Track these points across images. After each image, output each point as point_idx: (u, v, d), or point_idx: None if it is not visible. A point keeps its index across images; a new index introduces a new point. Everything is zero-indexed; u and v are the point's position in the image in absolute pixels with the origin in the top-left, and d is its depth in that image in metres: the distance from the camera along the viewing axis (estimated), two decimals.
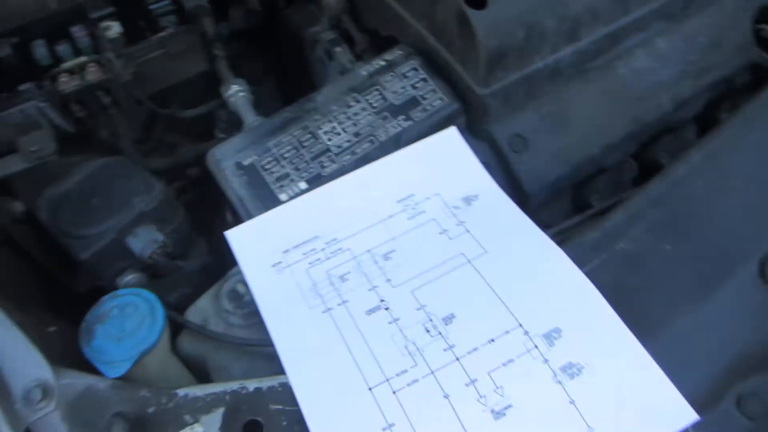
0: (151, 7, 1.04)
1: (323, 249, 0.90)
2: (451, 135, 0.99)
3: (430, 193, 0.95)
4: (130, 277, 0.93)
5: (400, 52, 1.05)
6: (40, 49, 0.99)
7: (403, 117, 0.99)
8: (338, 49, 1.19)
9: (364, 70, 1.04)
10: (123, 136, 1.06)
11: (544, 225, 0.92)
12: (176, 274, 0.96)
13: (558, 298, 0.83)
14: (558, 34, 1.01)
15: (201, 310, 0.96)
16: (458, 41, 0.98)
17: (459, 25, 0.96)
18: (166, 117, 1.15)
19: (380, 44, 1.24)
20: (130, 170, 0.99)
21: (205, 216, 1.15)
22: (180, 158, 1.20)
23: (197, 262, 1.01)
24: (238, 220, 0.94)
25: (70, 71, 0.97)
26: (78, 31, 1.01)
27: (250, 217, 0.92)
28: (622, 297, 0.84)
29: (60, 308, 0.97)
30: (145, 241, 0.90)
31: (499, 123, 1.04)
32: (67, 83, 0.95)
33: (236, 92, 1.14)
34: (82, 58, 0.99)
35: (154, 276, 0.96)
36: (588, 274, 0.85)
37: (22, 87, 0.95)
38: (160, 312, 0.81)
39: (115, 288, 0.93)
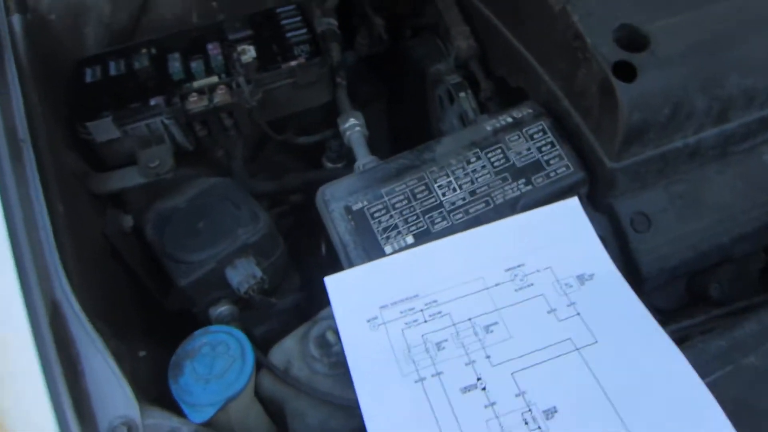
0: (288, 35, 1.04)
1: (422, 310, 0.86)
2: (573, 206, 0.93)
3: (541, 266, 0.89)
4: (223, 308, 0.93)
5: (530, 111, 1.00)
6: (175, 63, 1.01)
7: (524, 181, 0.94)
8: (462, 94, 1.16)
9: (489, 125, 0.99)
10: (236, 157, 1.08)
11: (655, 309, 0.85)
12: (268, 309, 0.96)
13: (672, 406, 0.75)
14: (707, 114, 0.92)
15: (286, 350, 0.95)
16: (597, 110, 0.92)
17: (601, 94, 0.89)
18: (280, 142, 1.16)
19: (506, 93, 1.20)
20: (238, 195, 0.99)
21: (300, 244, 1.15)
22: (286, 184, 1.20)
23: (289, 300, 1.00)
24: (333, 257, 0.92)
25: (200, 91, 0.99)
26: (212, 49, 1.03)
27: (351, 265, 0.90)
28: (745, 417, 0.75)
29: (152, 326, 0.99)
30: (244, 274, 0.90)
31: (623, 198, 0.97)
32: (195, 103, 0.97)
33: (353, 126, 1.13)
34: (214, 79, 1.01)
35: (245, 308, 0.96)
36: (709, 386, 0.76)
37: (153, 100, 0.98)
38: (249, 356, 0.80)
39: (207, 316, 0.94)
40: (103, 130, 0.96)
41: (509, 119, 1.00)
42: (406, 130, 1.80)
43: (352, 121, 1.13)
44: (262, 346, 1.05)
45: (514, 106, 1.04)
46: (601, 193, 0.98)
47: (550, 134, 0.97)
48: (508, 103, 1.18)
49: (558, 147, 0.96)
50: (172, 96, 0.98)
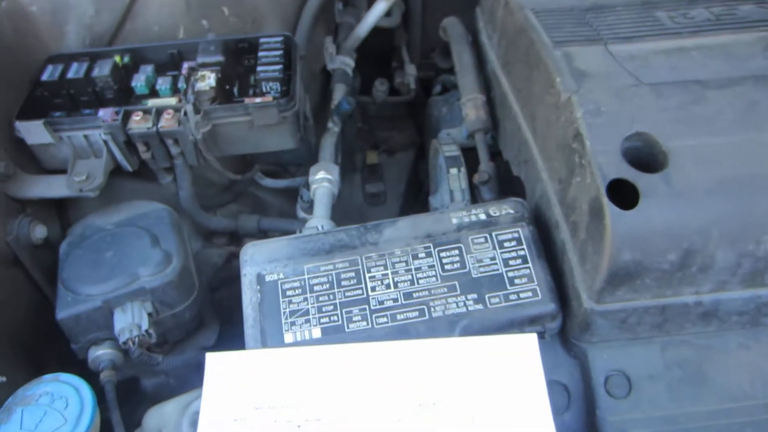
0: (260, 68, 0.92)
1: (300, 426, 0.69)
2: (527, 345, 0.73)
3: (464, 413, 0.70)
4: (103, 351, 0.81)
5: (509, 211, 0.82)
6: (141, 77, 0.92)
7: (475, 297, 0.76)
8: (453, 170, 0.99)
9: (456, 216, 0.82)
10: (183, 188, 0.96)
11: None
12: (149, 366, 0.83)
13: None
14: (732, 272, 0.71)
15: (164, 416, 0.82)
16: (583, 231, 0.73)
17: (590, 215, 0.70)
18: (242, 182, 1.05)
19: (508, 182, 1.02)
20: (165, 230, 0.88)
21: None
22: (241, 226, 1.08)
23: (178, 359, 0.86)
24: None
25: (147, 111, 0.88)
26: (185, 69, 0.93)
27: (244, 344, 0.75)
28: None
29: (41, 349, 0.89)
30: (128, 322, 0.78)
31: (601, 348, 0.77)
32: (137, 123, 0.87)
33: (321, 180, 0.99)
34: (168, 101, 0.90)
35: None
36: None
37: (102, 111, 0.89)
38: (85, 421, 0.67)
39: (85, 357, 0.82)
40: (34, 132, 0.88)
41: (482, 215, 0.82)
42: (426, 189, 1.65)
43: (322, 174, 0.99)
44: (152, 399, 0.92)
45: (496, 201, 0.87)
46: (575, 335, 0.78)
47: (524, 246, 0.79)
48: (506, 194, 1.01)
49: (530, 264, 0.77)
50: (120, 110, 0.88)
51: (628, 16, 0.85)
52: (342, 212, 1.61)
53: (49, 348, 0.84)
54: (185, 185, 0.96)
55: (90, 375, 0.83)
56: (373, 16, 1.27)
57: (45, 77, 0.92)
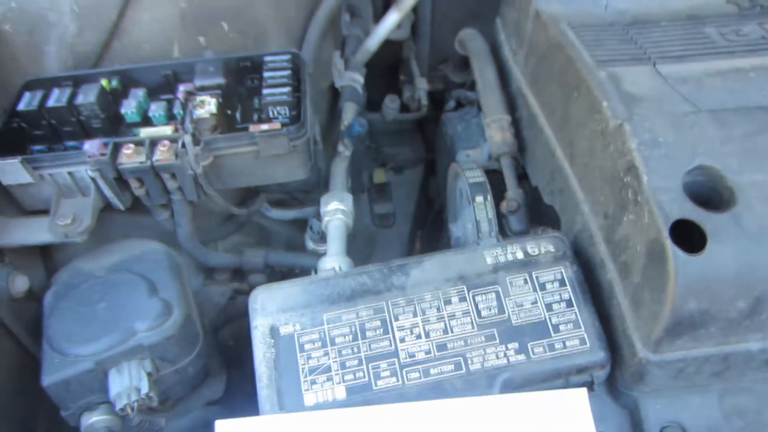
0: (265, 90, 0.83)
1: None
2: (577, 400, 0.65)
3: None
4: (97, 418, 0.71)
5: (551, 249, 0.74)
6: (132, 102, 0.83)
7: (517, 346, 0.68)
8: (479, 199, 0.91)
9: (490, 254, 0.74)
10: (181, 225, 0.88)
11: None
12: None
13: None
14: None
15: None
16: (639, 275, 0.65)
17: (649, 258, 0.63)
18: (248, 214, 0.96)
19: (537, 211, 0.94)
20: (163, 274, 0.78)
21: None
22: (246, 262, 0.99)
23: (182, 423, 0.78)
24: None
25: (139, 143, 0.79)
26: (180, 93, 0.84)
27: (258, 409, 0.66)
28: None
29: (31, 413, 0.80)
30: (125, 386, 0.69)
31: (656, 397, 0.70)
32: (129, 157, 0.77)
33: (334, 212, 0.91)
34: (163, 130, 0.80)
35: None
36: None
37: (87, 144, 0.79)
38: None
39: (77, 424, 0.73)
40: (10, 172, 0.78)
41: (519, 253, 0.74)
42: (437, 208, 1.57)
43: (334, 204, 0.91)
44: None
45: (534, 235, 0.79)
46: (625, 384, 0.70)
47: (568, 288, 0.71)
48: (536, 222, 0.93)
49: (575, 308, 0.70)
50: (110, 142, 0.79)
51: (675, 32, 0.78)
52: (350, 236, 1.54)
53: (36, 414, 0.74)
54: (183, 222, 0.87)
55: None
56: (384, 29, 1.19)
57: (21, 106, 0.82)
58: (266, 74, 0.86)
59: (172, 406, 0.81)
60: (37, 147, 0.86)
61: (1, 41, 0.88)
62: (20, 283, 0.79)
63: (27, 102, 0.84)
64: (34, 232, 0.79)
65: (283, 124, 0.81)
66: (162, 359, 0.73)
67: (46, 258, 0.92)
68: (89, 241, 0.90)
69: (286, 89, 0.82)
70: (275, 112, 0.82)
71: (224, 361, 0.89)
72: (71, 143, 0.85)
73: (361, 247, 1.42)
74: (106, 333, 0.71)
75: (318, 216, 0.96)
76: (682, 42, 0.76)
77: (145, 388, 0.69)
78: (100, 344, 0.71)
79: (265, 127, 0.79)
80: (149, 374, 0.71)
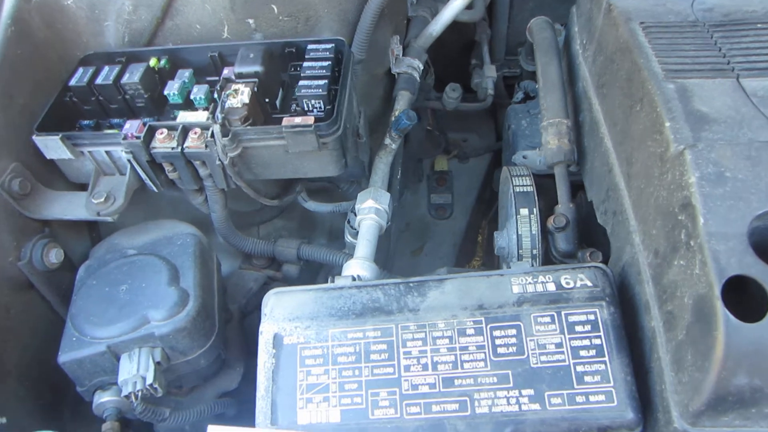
0: (303, 82, 0.79)
1: None
2: None
3: None
4: (108, 399, 0.73)
5: (588, 284, 0.65)
6: (175, 84, 0.82)
7: (531, 394, 0.61)
8: (524, 211, 0.82)
9: (518, 283, 0.66)
10: (215, 211, 0.86)
11: None
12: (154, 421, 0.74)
13: None
14: None
15: None
16: (682, 332, 0.56)
17: (695, 315, 0.53)
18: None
19: (588, 231, 0.84)
20: (187, 261, 0.78)
21: None
22: (279, 252, 0.97)
23: (189, 414, 0.77)
24: None
25: (173, 128, 0.78)
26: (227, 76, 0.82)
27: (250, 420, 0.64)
28: None
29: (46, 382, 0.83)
30: (132, 373, 0.69)
31: None
32: (161, 142, 0.77)
33: (369, 210, 0.86)
34: (199, 117, 0.79)
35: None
36: None
37: (126, 125, 0.79)
38: None
39: (90, 400, 0.75)
40: (52, 147, 0.80)
41: (551, 285, 0.66)
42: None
43: (369, 203, 0.86)
44: None
45: (573, 264, 0.70)
46: None
47: (601, 333, 0.62)
48: (586, 242, 0.84)
49: (606, 359, 0.61)
50: (147, 124, 0.78)
51: None
52: (403, 224, 1.49)
53: (67, 381, 0.77)
54: (217, 207, 0.86)
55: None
56: (451, 10, 1.10)
57: (73, 81, 0.84)
58: (306, 64, 0.82)
59: (187, 393, 0.82)
60: (85, 122, 0.88)
61: (64, 15, 0.90)
62: (55, 256, 0.83)
63: (79, 77, 0.86)
64: (72, 207, 0.82)
65: (317, 119, 0.76)
66: (173, 349, 0.73)
67: (92, 229, 0.96)
68: (134, 214, 0.92)
69: (323, 82, 0.78)
70: (310, 105, 0.78)
71: (247, 349, 0.89)
72: (117, 121, 0.87)
73: (411, 238, 1.37)
74: (121, 318, 0.72)
75: (356, 211, 0.92)
76: None
77: (150, 378, 0.69)
78: (114, 329, 0.72)
79: (297, 120, 0.75)
80: (158, 364, 0.71)
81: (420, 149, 1.38)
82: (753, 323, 0.49)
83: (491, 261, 1.55)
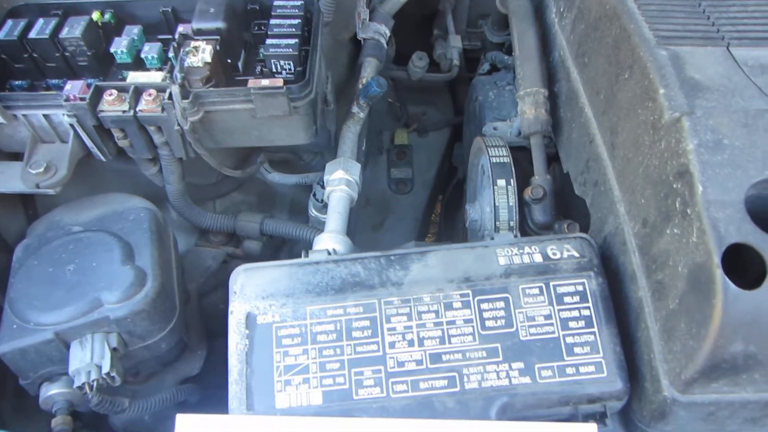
0: (270, 41, 0.73)
1: None
2: None
3: None
4: (57, 391, 0.66)
5: (574, 254, 0.64)
6: (123, 41, 0.74)
7: (521, 367, 0.59)
8: (501, 182, 0.80)
9: (504, 254, 0.64)
10: (170, 183, 0.79)
11: None
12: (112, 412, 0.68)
13: None
14: None
15: None
16: (674, 301, 0.55)
17: (691, 284, 0.52)
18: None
19: (565, 204, 0.83)
20: (143, 237, 0.71)
21: None
22: (240, 227, 0.91)
23: (150, 403, 0.71)
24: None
25: (122, 89, 0.71)
26: (176, 34, 0.74)
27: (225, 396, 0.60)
28: None
29: None
30: (84, 362, 0.62)
31: None
32: (110, 104, 0.69)
33: (339, 182, 0.82)
34: (153, 76, 0.71)
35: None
36: None
37: (71, 84, 0.71)
38: None
39: (37, 394, 0.67)
40: None
41: (537, 256, 0.64)
42: (460, 176, 1.46)
43: (339, 173, 0.81)
44: None
45: (557, 235, 0.68)
46: (642, 419, 0.61)
47: (589, 304, 0.61)
48: (562, 214, 0.83)
49: (595, 329, 0.60)
50: (92, 84, 0.70)
51: (757, 8, 0.64)
52: (363, 199, 1.45)
53: (7, 372, 0.69)
54: (172, 179, 0.79)
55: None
56: None
57: (1, 35, 0.74)
58: (273, 21, 0.75)
59: (145, 380, 0.75)
60: (17, 83, 0.79)
61: None
62: None
63: (8, 31, 0.76)
64: (6, 178, 0.72)
65: (286, 81, 0.71)
66: (130, 334, 0.67)
67: (27, 205, 0.86)
68: (77, 188, 0.83)
69: (293, 41, 0.72)
70: (278, 66, 0.72)
71: (207, 331, 0.83)
72: (55, 82, 0.78)
73: (372, 213, 1.33)
74: (70, 301, 0.65)
75: (322, 182, 0.87)
76: (766, 21, 0.63)
77: (106, 366, 0.63)
78: (62, 314, 0.64)
79: (265, 82, 0.69)
80: (114, 350, 0.65)
81: (380, 121, 1.34)
82: (751, 291, 0.49)
83: (446, 236, 1.54)
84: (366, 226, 1.31)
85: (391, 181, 1.38)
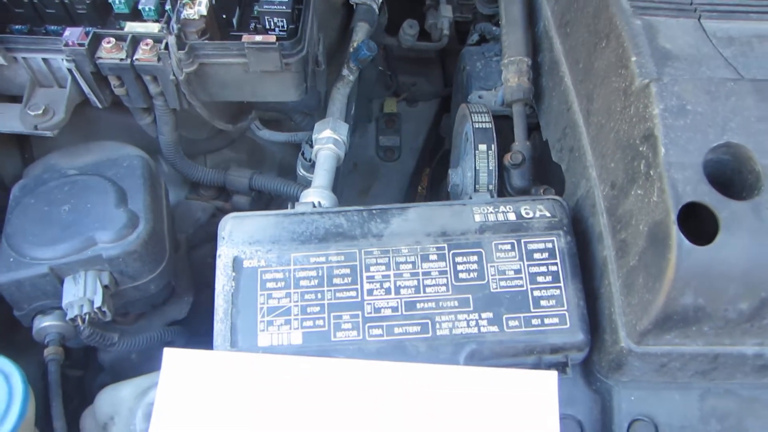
0: None
1: None
2: (545, 384, 0.61)
3: None
4: (50, 324, 0.69)
5: (546, 214, 0.67)
6: None
7: (490, 317, 0.63)
8: (482, 147, 0.83)
9: (480, 212, 0.68)
10: (163, 134, 0.82)
11: None
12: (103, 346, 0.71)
13: None
14: None
15: (117, 401, 0.72)
16: (635, 258, 0.59)
17: (650, 241, 0.56)
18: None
19: (543, 168, 0.87)
20: (135, 183, 0.74)
21: None
22: (230, 182, 0.93)
23: (138, 340, 0.75)
24: None
25: (120, 38, 0.72)
26: None
27: (209, 343, 0.63)
28: None
29: None
30: (78, 296, 0.66)
31: (630, 388, 0.66)
32: (108, 52, 0.71)
33: (326, 140, 0.84)
34: (150, 27, 0.73)
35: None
36: None
37: (69, 31, 0.73)
38: (11, 422, 0.57)
39: (29, 325, 0.70)
40: None
41: (511, 215, 0.67)
42: (447, 147, 1.49)
43: (327, 133, 0.84)
44: (110, 372, 0.82)
45: (531, 196, 0.72)
46: (601, 370, 0.65)
47: (557, 261, 0.65)
48: (539, 181, 0.86)
49: (561, 284, 0.64)
50: (90, 32, 0.72)
51: None
52: (351, 164, 1.48)
53: None
54: (166, 130, 0.82)
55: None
56: None
57: None
58: None
59: (134, 321, 0.79)
60: (17, 27, 0.80)
61: None
62: None
63: None
64: (5, 119, 0.75)
65: (279, 38, 0.73)
66: (122, 273, 0.70)
67: (24, 148, 0.88)
68: (72, 136, 0.85)
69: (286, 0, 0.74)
70: (272, 24, 0.74)
71: (194, 281, 0.86)
72: (53, 28, 0.79)
73: (360, 178, 1.36)
74: (65, 239, 0.68)
75: (311, 142, 0.89)
76: None
77: (98, 301, 0.66)
78: (57, 250, 0.68)
79: (258, 38, 0.71)
80: (106, 287, 0.68)
81: (371, 89, 1.36)
82: (703, 246, 0.53)
83: None
84: (353, 191, 1.34)
85: (379, 148, 1.41)
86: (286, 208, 1.07)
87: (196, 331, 0.83)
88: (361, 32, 1.00)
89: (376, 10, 1.04)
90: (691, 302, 0.54)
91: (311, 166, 0.96)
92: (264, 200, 1.03)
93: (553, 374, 0.61)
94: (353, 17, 1.05)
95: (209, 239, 1.00)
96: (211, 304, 0.92)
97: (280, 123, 1.04)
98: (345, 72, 0.95)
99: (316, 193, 0.78)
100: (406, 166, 1.41)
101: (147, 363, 0.81)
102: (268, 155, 1.09)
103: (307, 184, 0.96)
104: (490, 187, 0.82)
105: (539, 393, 0.60)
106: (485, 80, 1.09)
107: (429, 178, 1.59)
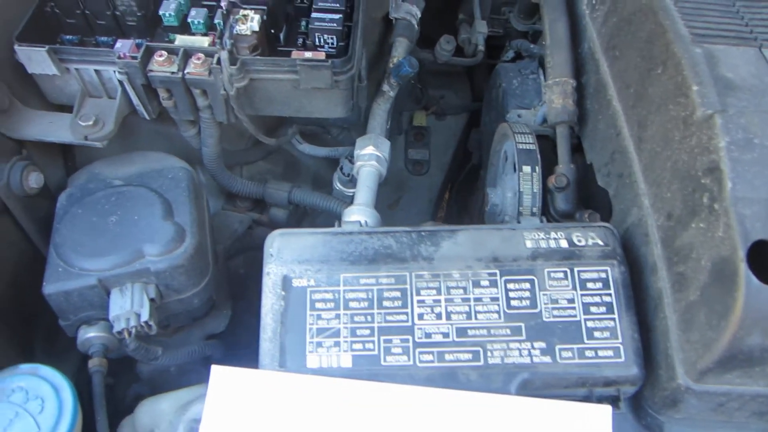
0: (315, 15, 0.74)
1: None
2: (599, 418, 0.60)
3: None
4: (94, 335, 0.68)
5: (599, 243, 0.66)
6: (172, 4, 0.75)
7: (543, 347, 0.62)
8: (526, 169, 0.82)
9: (531, 238, 0.67)
10: (208, 145, 0.81)
11: None
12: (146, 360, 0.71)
13: None
14: None
15: (157, 414, 0.71)
16: (695, 293, 0.58)
17: (714, 277, 0.55)
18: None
19: (586, 194, 0.86)
20: (181, 196, 0.73)
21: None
22: (269, 195, 0.93)
23: (180, 354, 0.75)
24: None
25: (173, 51, 0.72)
26: (223, 1, 0.76)
27: (257, 361, 0.62)
28: None
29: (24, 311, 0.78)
30: (125, 309, 0.65)
31: (683, 426, 0.65)
32: (160, 65, 0.71)
33: (368, 157, 0.84)
34: (200, 41, 0.73)
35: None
36: None
37: (120, 43, 0.73)
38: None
39: (75, 335, 0.70)
40: (36, 60, 0.72)
41: (563, 242, 0.66)
42: (475, 162, 1.48)
43: (370, 149, 0.83)
44: (147, 383, 0.81)
45: (581, 223, 0.71)
46: (654, 405, 0.64)
47: (611, 291, 0.64)
48: (582, 204, 0.85)
49: (615, 316, 0.63)
50: (142, 44, 0.72)
51: None
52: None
53: (39, 313, 0.72)
54: (210, 142, 0.81)
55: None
56: None
57: None
58: None
59: (173, 333, 0.78)
60: (68, 37, 0.80)
61: None
62: (35, 180, 0.76)
63: None
64: (55, 129, 0.75)
65: (329, 55, 0.73)
66: (167, 287, 0.70)
67: (67, 156, 0.88)
68: (114, 144, 0.85)
69: (337, 16, 0.74)
70: (321, 40, 0.74)
71: (231, 292, 0.86)
72: (103, 39, 0.79)
73: (388, 191, 1.35)
74: (113, 250, 0.68)
75: (351, 157, 0.89)
76: None
77: (145, 315, 0.66)
78: (105, 261, 0.67)
79: (308, 55, 0.71)
80: (152, 300, 0.68)
81: (402, 102, 1.36)
82: None
83: (456, 220, 1.57)
84: (381, 204, 1.33)
85: (408, 161, 1.40)
86: (320, 222, 1.07)
87: (233, 343, 0.83)
88: (401, 48, 0.99)
89: (416, 26, 1.04)
90: (758, 342, 0.53)
91: (349, 181, 0.96)
92: (299, 213, 1.02)
93: (608, 409, 0.60)
94: (393, 32, 1.05)
95: (244, 251, 1.00)
96: (244, 316, 0.92)
97: (317, 136, 1.04)
98: (385, 88, 0.95)
99: (360, 211, 0.78)
100: (434, 180, 1.40)
101: (185, 377, 0.80)
102: (304, 168, 1.08)
103: (344, 198, 0.96)
104: (534, 210, 0.81)
105: (593, 427, 0.59)
106: (521, 98, 1.08)
107: (453, 190, 1.58)
